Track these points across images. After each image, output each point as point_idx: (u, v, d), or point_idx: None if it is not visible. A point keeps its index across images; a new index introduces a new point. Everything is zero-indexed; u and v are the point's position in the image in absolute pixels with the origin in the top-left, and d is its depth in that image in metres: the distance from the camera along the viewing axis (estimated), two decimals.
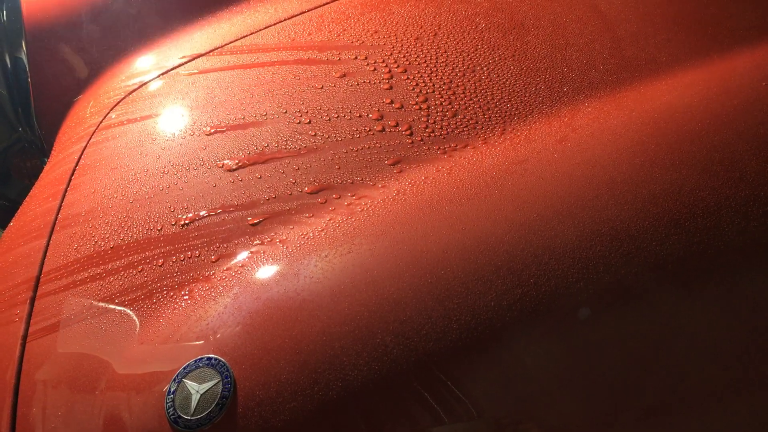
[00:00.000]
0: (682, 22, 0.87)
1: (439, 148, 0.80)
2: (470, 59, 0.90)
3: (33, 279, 0.81)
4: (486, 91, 0.85)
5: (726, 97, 0.74)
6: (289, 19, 1.09)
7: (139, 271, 0.76)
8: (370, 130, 0.84)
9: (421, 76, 0.90)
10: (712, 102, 0.74)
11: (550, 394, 0.61)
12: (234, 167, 0.85)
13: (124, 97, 1.07)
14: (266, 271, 0.70)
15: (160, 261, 0.77)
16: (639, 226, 0.64)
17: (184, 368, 0.63)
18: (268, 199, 0.79)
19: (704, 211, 0.65)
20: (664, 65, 0.82)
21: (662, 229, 0.64)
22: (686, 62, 0.82)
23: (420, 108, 0.86)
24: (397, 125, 0.84)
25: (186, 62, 1.09)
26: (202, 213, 0.81)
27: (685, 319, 0.63)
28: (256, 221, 0.77)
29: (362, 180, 0.79)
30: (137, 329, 0.70)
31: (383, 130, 0.84)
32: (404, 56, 0.94)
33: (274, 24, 1.09)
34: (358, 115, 0.87)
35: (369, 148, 0.82)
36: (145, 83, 1.08)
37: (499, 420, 0.61)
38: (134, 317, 0.72)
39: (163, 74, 1.08)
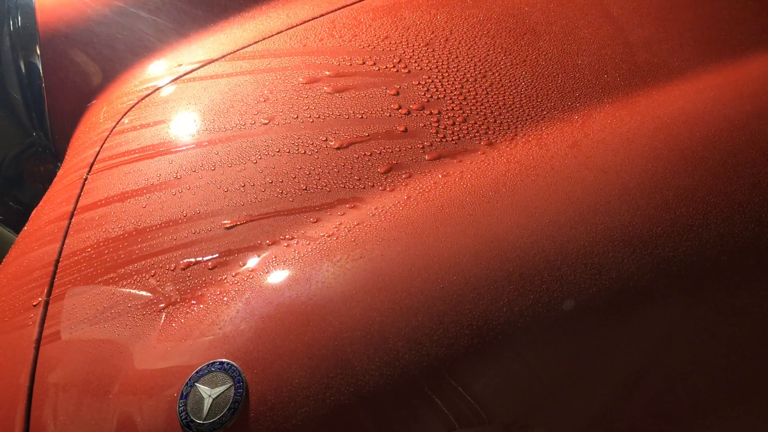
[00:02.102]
0: (695, 27, 0.87)
1: (450, 153, 0.80)
2: (481, 64, 0.90)
3: (47, 283, 0.82)
4: (497, 97, 0.85)
5: (739, 102, 0.74)
6: (300, 24, 1.09)
7: (152, 276, 0.77)
8: (380, 135, 0.85)
9: (432, 82, 0.90)
10: (725, 107, 0.74)
11: (561, 400, 0.61)
12: (246, 172, 0.85)
13: (137, 103, 1.08)
14: (278, 276, 0.70)
15: (173, 266, 0.77)
16: (652, 233, 0.64)
17: (197, 372, 0.63)
18: (280, 204, 0.80)
19: (718, 217, 0.64)
20: (677, 70, 0.82)
21: (675, 236, 0.64)
22: (699, 67, 0.82)
23: (431, 113, 0.86)
24: (406, 130, 0.84)
25: (198, 67, 1.09)
26: (215, 217, 0.81)
27: (698, 325, 0.63)
28: (268, 226, 0.78)
29: (373, 185, 0.79)
30: (150, 334, 0.71)
31: (392, 135, 0.84)
32: (415, 61, 0.94)
33: (286, 29, 1.09)
34: (368, 120, 0.87)
35: (380, 153, 0.82)
36: (158, 88, 1.09)
37: (509, 426, 0.61)
38: (147, 322, 0.72)
39: (175, 79, 1.09)
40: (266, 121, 0.92)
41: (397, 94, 0.90)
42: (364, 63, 0.96)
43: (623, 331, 0.62)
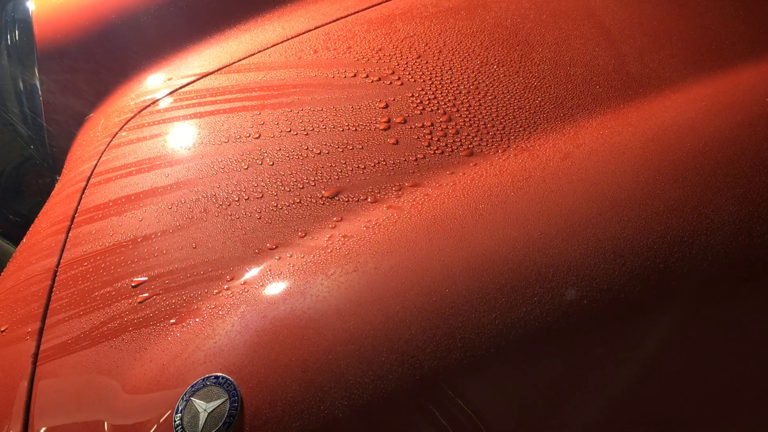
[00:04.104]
0: (686, 38, 0.87)
1: (442, 165, 0.81)
2: (474, 76, 0.91)
3: (45, 296, 0.83)
4: (490, 108, 0.86)
5: (730, 113, 0.75)
6: (295, 37, 1.10)
7: (148, 290, 0.77)
8: (372, 147, 0.85)
9: (425, 93, 0.91)
10: (715, 118, 0.74)
11: (555, 410, 0.62)
12: (240, 185, 0.86)
13: (134, 116, 1.08)
14: (272, 290, 0.71)
15: (168, 279, 0.77)
16: (643, 244, 0.64)
17: (192, 387, 0.63)
18: (274, 215, 0.80)
19: (708, 228, 0.65)
20: (668, 81, 0.83)
21: (666, 247, 0.64)
22: (690, 78, 0.82)
23: (423, 125, 0.87)
24: (398, 143, 0.85)
25: (195, 80, 1.10)
26: (211, 230, 0.81)
27: (689, 336, 0.63)
28: (261, 240, 0.78)
29: (366, 198, 0.79)
30: (146, 349, 0.71)
31: (384, 147, 0.85)
32: (408, 74, 0.95)
33: (282, 42, 1.10)
34: (360, 132, 0.88)
35: (373, 166, 0.83)
36: (155, 101, 1.10)
37: None
38: (143, 337, 0.72)
39: (172, 92, 1.10)
40: (261, 134, 0.92)
41: (389, 106, 0.91)
42: (356, 75, 0.97)
43: (615, 342, 0.62)
